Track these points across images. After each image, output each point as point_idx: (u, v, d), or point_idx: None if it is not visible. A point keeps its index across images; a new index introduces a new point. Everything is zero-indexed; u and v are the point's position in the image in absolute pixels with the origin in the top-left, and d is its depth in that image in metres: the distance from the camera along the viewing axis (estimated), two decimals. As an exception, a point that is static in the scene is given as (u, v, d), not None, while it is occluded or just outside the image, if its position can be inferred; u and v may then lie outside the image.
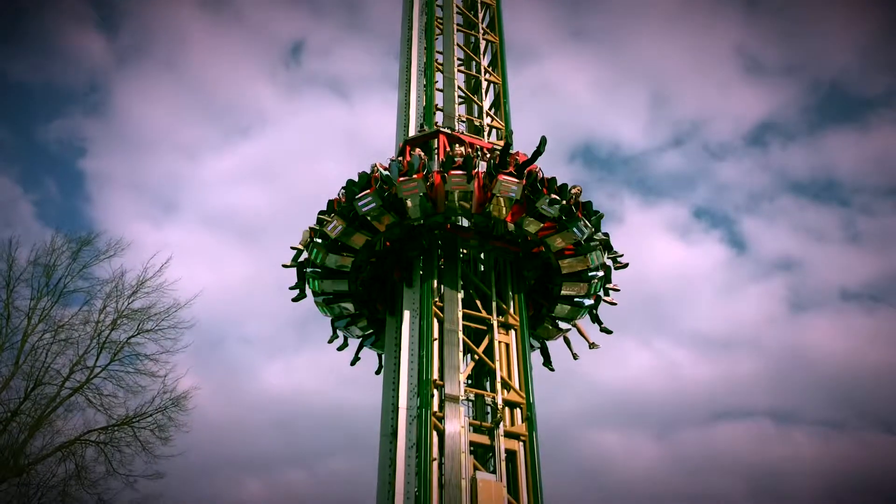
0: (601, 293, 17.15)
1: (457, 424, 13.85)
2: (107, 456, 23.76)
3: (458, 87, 20.23)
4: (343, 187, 16.23)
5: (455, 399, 14.11)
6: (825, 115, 78.62)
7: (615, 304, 17.27)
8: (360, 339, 18.06)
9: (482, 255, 17.11)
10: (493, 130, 19.62)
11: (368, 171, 16.09)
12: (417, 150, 16.73)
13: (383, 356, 17.14)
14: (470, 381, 15.19)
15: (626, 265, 17.14)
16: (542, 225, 15.67)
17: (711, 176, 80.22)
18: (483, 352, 15.32)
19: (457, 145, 17.09)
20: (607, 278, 17.07)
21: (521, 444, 14.37)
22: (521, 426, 14.54)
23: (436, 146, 17.49)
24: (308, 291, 17.22)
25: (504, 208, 15.45)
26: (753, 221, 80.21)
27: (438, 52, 20.65)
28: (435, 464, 13.45)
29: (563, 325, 17.52)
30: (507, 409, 14.71)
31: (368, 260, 16.53)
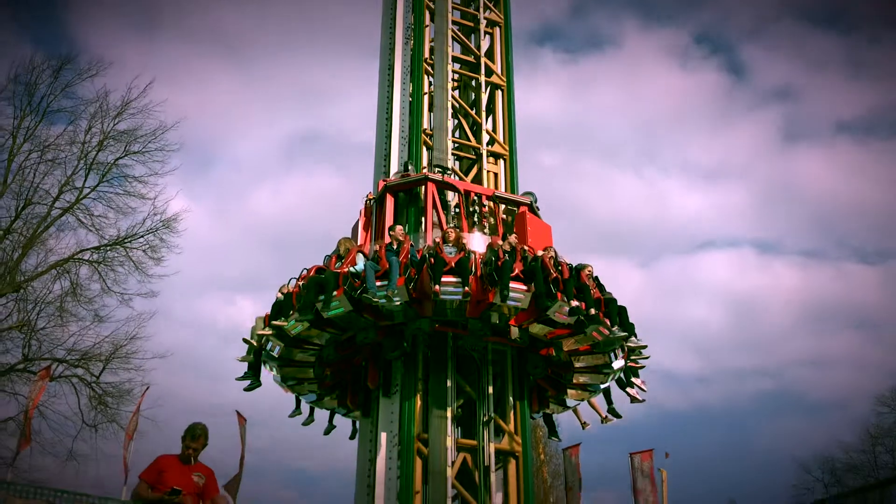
0: (623, 379, 14.09)
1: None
2: (100, 275, 24.40)
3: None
4: (303, 278, 13.06)
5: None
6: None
7: (640, 400, 14.17)
8: (331, 410, 15.19)
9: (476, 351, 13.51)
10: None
11: (338, 256, 12.91)
12: (398, 229, 13.04)
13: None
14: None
15: (643, 367, 14.10)
16: (552, 329, 12.66)
17: (715, -1, 77.43)
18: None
19: (451, 194, 14.33)
20: (633, 371, 13.97)
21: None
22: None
23: (423, 195, 14.26)
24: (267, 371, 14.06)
25: (508, 315, 12.37)
26: (754, 48, 78.41)
27: None
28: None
29: (571, 402, 14.79)
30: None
31: (336, 353, 13.33)
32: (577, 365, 13.40)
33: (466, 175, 15.62)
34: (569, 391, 14.12)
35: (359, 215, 14.71)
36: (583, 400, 14.42)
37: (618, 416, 14.31)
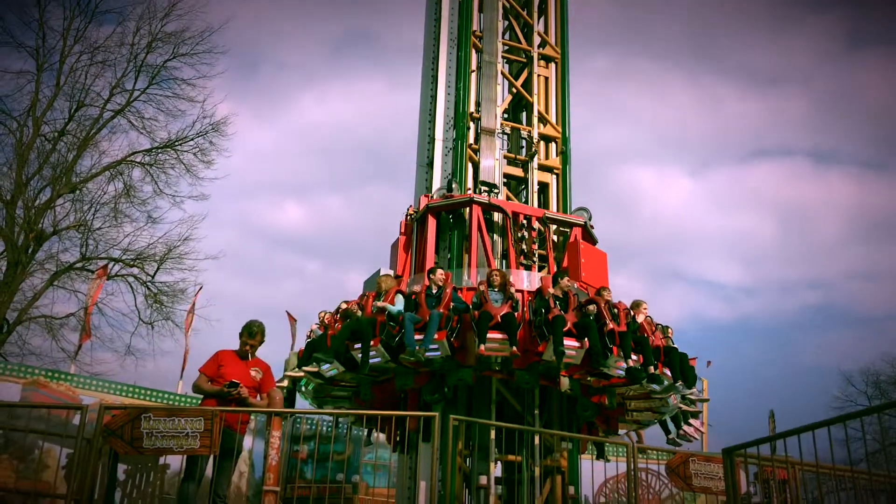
0: (680, 418, 12.98)
1: (491, 157, 14.02)
2: (153, 177, 24.97)
3: None
4: (340, 313, 12.03)
5: (491, 132, 14.17)
6: None
7: (694, 438, 13.38)
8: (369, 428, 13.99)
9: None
10: None
11: (377, 295, 11.58)
12: (438, 274, 11.44)
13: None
14: (507, 115, 15.17)
15: (700, 411, 13.06)
16: (606, 379, 11.44)
17: None
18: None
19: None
20: (690, 413, 12.89)
21: (553, 177, 14.63)
22: (554, 160, 14.70)
23: (467, 216, 13.21)
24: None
25: (558, 367, 11.12)
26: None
27: None
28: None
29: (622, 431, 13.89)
30: (542, 142, 14.82)
31: (373, 393, 12.27)
32: (631, 407, 12.47)
33: (517, 79, 15.31)
34: (620, 424, 13.27)
35: (399, 229, 13.84)
36: (634, 430, 13.73)
37: (677, 444, 13.13)
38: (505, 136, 14.97)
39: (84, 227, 24.15)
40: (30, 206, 23.14)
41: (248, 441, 9.74)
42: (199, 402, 8.01)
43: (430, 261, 12.85)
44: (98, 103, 24.78)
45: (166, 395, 20.10)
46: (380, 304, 11.14)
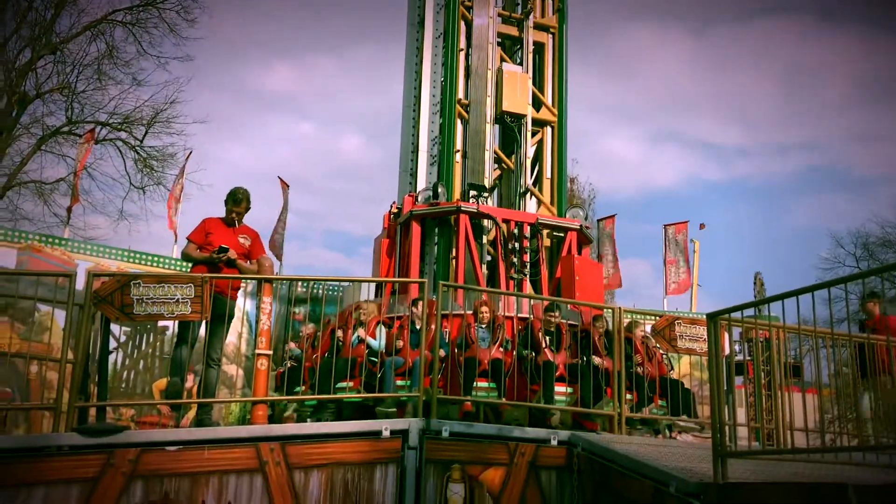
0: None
1: (485, 15, 13.52)
2: (135, 36, 24.18)
3: None
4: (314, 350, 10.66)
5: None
6: None
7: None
8: None
9: None
10: None
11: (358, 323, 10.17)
12: (420, 307, 9.86)
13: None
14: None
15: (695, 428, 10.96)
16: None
17: None
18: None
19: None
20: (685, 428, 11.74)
21: (549, 36, 14.15)
22: (551, 18, 14.18)
23: (454, 225, 12.12)
24: None
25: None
26: None
27: None
28: (462, 54, 13.45)
29: None
30: (537, -1, 14.25)
31: (357, 416, 9.99)
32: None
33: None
34: None
35: (382, 223, 12.92)
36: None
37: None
38: (499, -8, 14.36)
39: (68, 89, 23.58)
40: (10, 69, 22.50)
41: (244, 302, 9.87)
42: (189, 269, 8.04)
43: (414, 271, 12.00)
44: (73, -43, 23.67)
45: (162, 259, 20.25)
46: (361, 334, 9.95)
